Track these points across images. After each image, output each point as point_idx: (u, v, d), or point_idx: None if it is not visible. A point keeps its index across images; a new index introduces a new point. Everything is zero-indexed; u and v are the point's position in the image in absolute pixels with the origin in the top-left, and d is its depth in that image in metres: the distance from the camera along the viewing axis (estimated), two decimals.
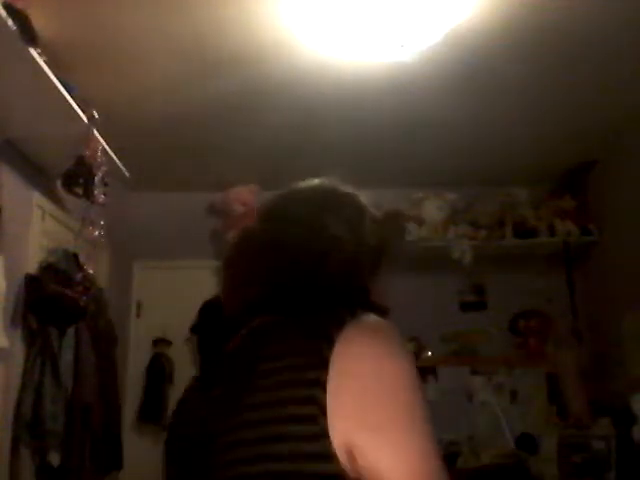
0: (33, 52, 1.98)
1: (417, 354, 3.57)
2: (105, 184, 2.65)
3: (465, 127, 3.19)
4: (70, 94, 2.29)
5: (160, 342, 3.84)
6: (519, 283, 3.75)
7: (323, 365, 0.73)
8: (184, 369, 3.78)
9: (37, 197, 2.76)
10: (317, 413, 0.71)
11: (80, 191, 2.60)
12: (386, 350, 0.77)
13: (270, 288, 0.89)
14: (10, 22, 1.84)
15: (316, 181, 1.01)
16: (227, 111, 2.98)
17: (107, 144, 2.68)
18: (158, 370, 3.77)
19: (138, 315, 3.96)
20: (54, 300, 2.55)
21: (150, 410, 3.67)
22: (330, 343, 0.75)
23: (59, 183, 2.73)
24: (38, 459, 2.44)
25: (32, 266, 2.61)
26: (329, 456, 0.71)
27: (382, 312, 0.85)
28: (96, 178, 2.59)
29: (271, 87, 2.75)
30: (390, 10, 2.20)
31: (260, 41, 2.41)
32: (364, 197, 1.02)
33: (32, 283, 2.54)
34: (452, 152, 3.49)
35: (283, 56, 2.51)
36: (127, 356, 3.80)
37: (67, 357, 2.54)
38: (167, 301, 3.88)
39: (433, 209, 3.74)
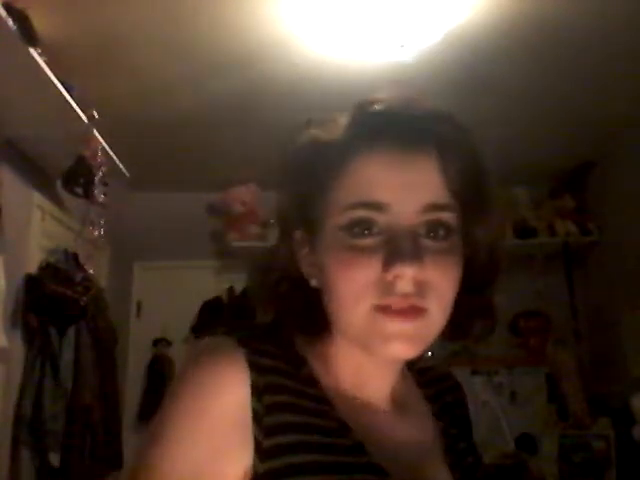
0: (33, 52, 1.98)
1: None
2: (105, 184, 2.65)
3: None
4: (70, 94, 2.29)
5: (160, 342, 3.84)
6: (519, 283, 3.75)
7: None
8: None
9: (37, 197, 2.76)
10: None
11: (80, 191, 2.60)
12: None
13: None
14: (10, 22, 1.84)
15: None
16: (227, 111, 2.98)
17: (107, 144, 2.68)
18: (158, 370, 3.77)
19: (138, 315, 3.96)
20: (54, 300, 2.55)
21: (150, 410, 3.67)
22: None
23: (59, 183, 2.73)
24: (38, 459, 2.44)
25: (32, 266, 2.61)
26: None
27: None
28: (96, 178, 2.59)
29: (271, 87, 2.75)
30: (390, 10, 2.20)
31: (260, 41, 2.41)
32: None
33: (32, 283, 2.54)
34: None
35: (283, 56, 2.51)
36: (127, 356, 3.80)
37: (67, 357, 2.54)
38: (167, 301, 3.88)
39: None
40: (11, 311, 2.45)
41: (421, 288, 0.57)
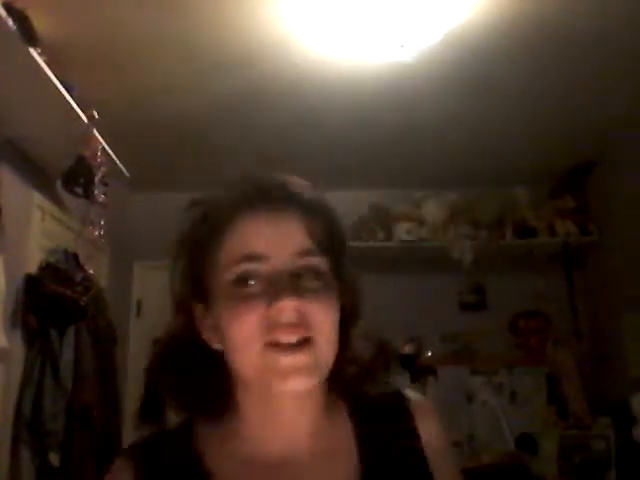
0: (33, 52, 1.98)
1: (417, 354, 3.57)
2: (105, 184, 2.65)
3: (465, 127, 3.19)
4: (70, 94, 2.29)
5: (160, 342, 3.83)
6: (519, 283, 3.75)
7: None
8: None
9: (37, 197, 2.76)
10: None
11: (80, 191, 2.60)
12: None
13: None
14: (10, 22, 1.84)
15: None
16: (227, 111, 2.98)
17: (107, 144, 2.68)
18: None
19: (138, 315, 3.96)
20: (54, 300, 2.55)
21: (150, 410, 3.66)
22: None
23: (59, 183, 2.73)
24: (38, 459, 2.44)
25: (32, 266, 2.61)
26: None
27: None
28: (96, 178, 2.59)
29: (271, 87, 2.75)
30: (390, 10, 2.20)
31: (260, 41, 2.41)
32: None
33: (32, 283, 2.54)
34: (452, 152, 3.49)
35: (283, 56, 2.51)
36: (127, 356, 3.80)
37: (67, 357, 2.54)
38: (167, 301, 3.87)
39: (433, 209, 3.74)
40: (11, 311, 2.45)
41: (304, 319, 0.64)
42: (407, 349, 3.54)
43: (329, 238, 0.70)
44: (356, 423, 0.74)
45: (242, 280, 0.66)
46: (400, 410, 0.76)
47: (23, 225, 2.64)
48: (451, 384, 3.49)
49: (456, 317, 3.89)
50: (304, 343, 0.64)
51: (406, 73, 2.61)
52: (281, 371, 0.64)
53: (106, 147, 2.68)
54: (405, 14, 2.22)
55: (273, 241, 0.67)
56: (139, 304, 3.97)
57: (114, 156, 2.82)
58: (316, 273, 0.67)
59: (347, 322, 0.72)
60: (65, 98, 2.26)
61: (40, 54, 2.04)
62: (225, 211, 0.69)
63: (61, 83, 2.20)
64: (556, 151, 3.51)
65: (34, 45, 1.99)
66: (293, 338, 0.64)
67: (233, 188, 0.72)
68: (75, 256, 2.80)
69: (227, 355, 0.68)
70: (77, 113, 2.38)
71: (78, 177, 2.58)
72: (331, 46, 2.45)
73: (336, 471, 0.70)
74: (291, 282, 0.65)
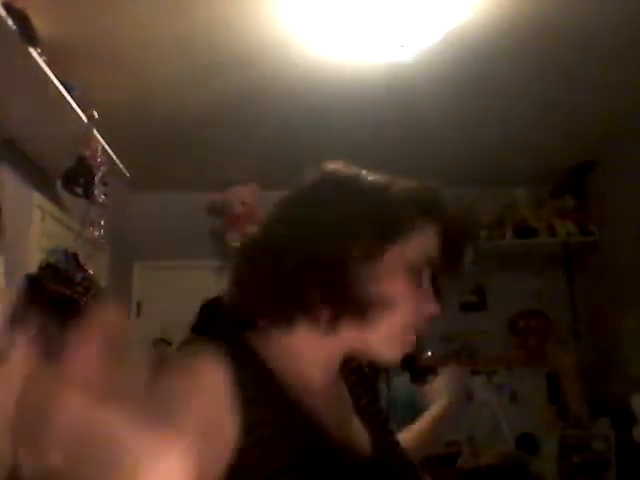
0: (33, 52, 1.98)
1: (417, 354, 3.56)
2: (105, 184, 2.65)
3: (465, 127, 3.19)
4: (70, 94, 2.29)
5: (160, 342, 3.83)
6: (519, 283, 3.76)
7: None
8: None
9: (37, 197, 2.76)
10: None
11: (80, 191, 2.60)
12: None
13: None
14: (10, 22, 1.84)
15: None
16: (227, 111, 2.98)
17: (107, 144, 2.68)
18: None
19: (138, 315, 3.96)
20: (54, 300, 2.55)
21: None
22: None
23: (59, 183, 2.73)
24: None
25: (32, 266, 2.61)
26: None
27: None
28: (96, 178, 2.59)
29: (271, 87, 2.75)
30: (390, 10, 2.20)
31: (260, 41, 2.41)
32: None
33: (32, 283, 2.54)
34: (452, 152, 3.49)
35: (283, 56, 2.51)
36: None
37: None
38: (167, 301, 3.87)
39: None
40: (11, 311, 2.45)
41: None
42: None
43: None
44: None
45: (420, 275, 0.78)
46: (357, 367, 0.94)
47: (23, 225, 2.64)
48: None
49: (456, 317, 3.89)
50: None
51: (406, 73, 2.61)
52: (395, 356, 0.79)
53: (106, 147, 2.68)
54: (405, 14, 2.22)
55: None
56: (139, 304, 3.97)
57: (114, 156, 2.82)
58: None
59: None
60: (65, 98, 2.26)
61: (40, 54, 2.04)
62: (425, 207, 0.80)
63: (61, 83, 2.20)
64: (556, 151, 3.51)
65: (34, 45, 1.99)
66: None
67: (435, 201, 0.83)
68: (75, 256, 2.80)
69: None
70: (77, 113, 2.38)
71: (78, 177, 2.57)
72: (331, 46, 2.45)
73: (343, 395, 0.87)
74: None
